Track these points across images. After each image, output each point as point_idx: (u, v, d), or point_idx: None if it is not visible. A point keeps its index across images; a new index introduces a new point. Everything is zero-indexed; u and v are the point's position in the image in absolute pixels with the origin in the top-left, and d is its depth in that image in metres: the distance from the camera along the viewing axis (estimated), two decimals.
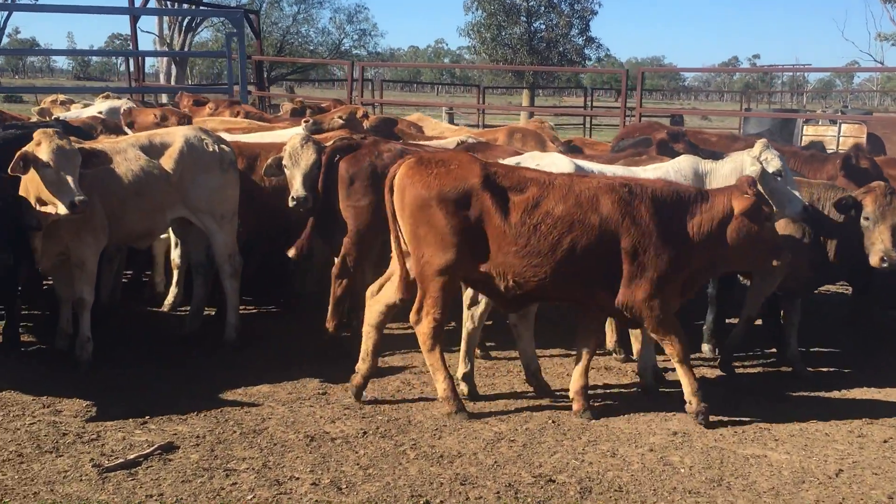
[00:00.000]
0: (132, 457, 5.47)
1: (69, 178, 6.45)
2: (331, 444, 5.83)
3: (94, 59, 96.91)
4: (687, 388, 6.35)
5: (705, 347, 8.22)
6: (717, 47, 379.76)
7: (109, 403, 6.37)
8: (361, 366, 6.59)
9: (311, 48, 52.40)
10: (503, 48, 37.71)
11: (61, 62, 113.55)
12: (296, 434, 5.98)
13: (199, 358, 7.47)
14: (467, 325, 6.98)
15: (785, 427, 6.39)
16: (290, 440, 5.89)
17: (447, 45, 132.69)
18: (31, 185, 6.56)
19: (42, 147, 6.43)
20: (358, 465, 5.53)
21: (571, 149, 9.64)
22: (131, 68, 20.12)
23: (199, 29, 40.41)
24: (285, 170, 7.53)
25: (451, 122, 20.73)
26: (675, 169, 7.32)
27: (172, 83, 30.03)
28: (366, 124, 9.70)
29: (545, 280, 6.10)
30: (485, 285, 6.37)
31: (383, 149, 7.59)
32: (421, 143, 9.27)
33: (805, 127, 21.90)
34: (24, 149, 6.51)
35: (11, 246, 6.52)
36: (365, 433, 6.03)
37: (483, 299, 6.89)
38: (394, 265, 6.53)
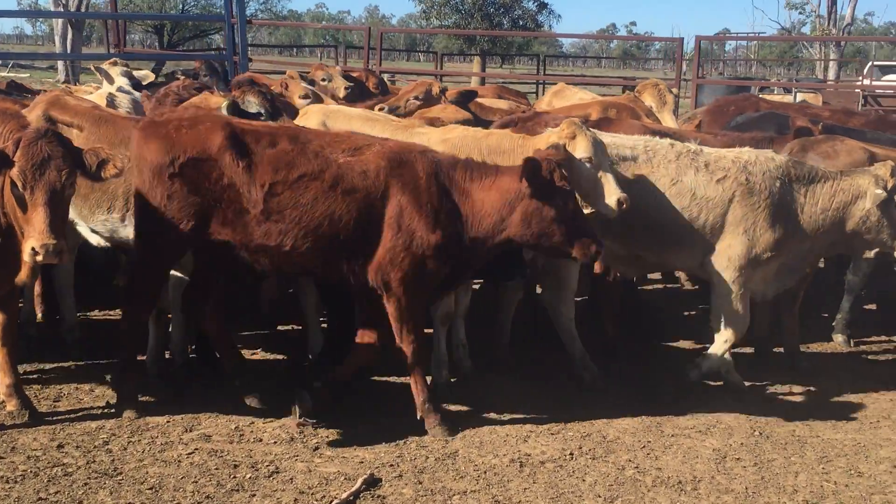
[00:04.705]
0: (344, 496, 4.68)
1: (610, 173, 5.72)
2: (544, 469, 5.14)
3: None
4: None
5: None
6: (592, 14, 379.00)
7: (255, 424, 5.55)
8: None
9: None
10: (455, 14, 36.70)
11: None
12: (496, 458, 5.26)
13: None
14: None
15: None
16: (496, 465, 5.17)
17: (327, 9, 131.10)
18: None
19: (578, 141, 5.62)
20: (598, 496, 4.85)
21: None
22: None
23: None
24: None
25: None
26: None
27: (69, 49, 27.14)
28: (443, 100, 8.83)
29: None
30: None
31: None
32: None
33: (760, 95, 21.87)
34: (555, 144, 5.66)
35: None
36: (571, 455, 5.36)
37: None
38: None
